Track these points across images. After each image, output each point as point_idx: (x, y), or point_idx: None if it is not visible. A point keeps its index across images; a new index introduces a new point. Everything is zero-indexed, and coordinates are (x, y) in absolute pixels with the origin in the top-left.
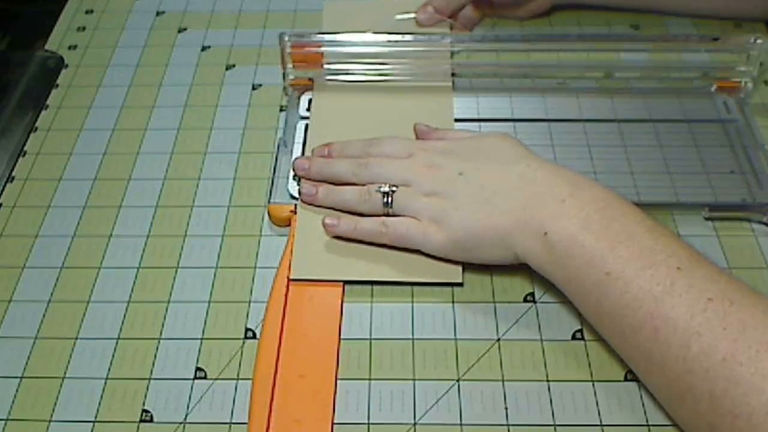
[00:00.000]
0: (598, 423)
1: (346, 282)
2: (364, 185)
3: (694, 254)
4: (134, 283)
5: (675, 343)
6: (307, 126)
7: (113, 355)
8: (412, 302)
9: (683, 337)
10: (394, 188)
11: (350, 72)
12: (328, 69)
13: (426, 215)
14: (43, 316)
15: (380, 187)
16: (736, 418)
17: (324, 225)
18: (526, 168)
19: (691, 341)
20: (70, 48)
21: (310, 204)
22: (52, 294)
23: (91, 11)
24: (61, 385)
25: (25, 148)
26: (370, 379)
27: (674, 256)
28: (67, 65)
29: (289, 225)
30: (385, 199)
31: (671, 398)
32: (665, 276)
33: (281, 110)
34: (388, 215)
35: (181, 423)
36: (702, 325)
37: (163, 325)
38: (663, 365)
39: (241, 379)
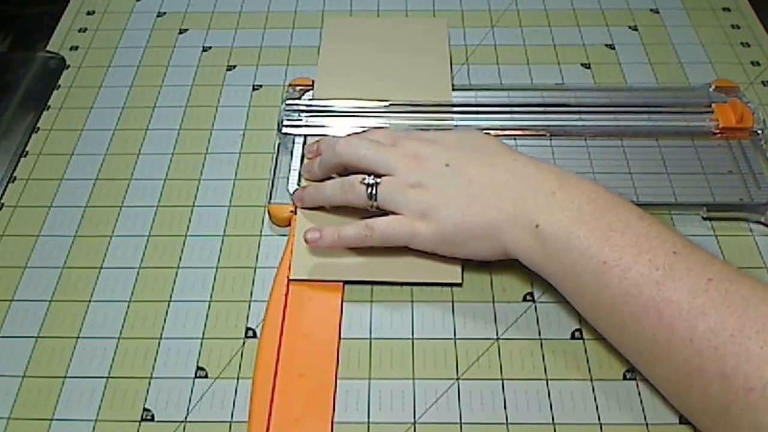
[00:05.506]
0: (597, 422)
1: (346, 282)
2: (346, 175)
3: (686, 240)
4: (135, 282)
5: (680, 326)
6: None
7: (114, 355)
8: (412, 302)
9: (688, 318)
10: (377, 180)
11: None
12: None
13: (412, 209)
14: (45, 315)
15: (364, 179)
16: (749, 393)
17: (306, 241)
18: (513, 162)
19: (697, 321)
20: (71, 49)
21: (301, 207)
22: (53, 293)
23: (93, 12)
24: (62, 384)
25: (27, 149)
26: (369, 379)
27: (669, 242)
28: (68, 66)
29: (289, 225)
30: (369, 191)
31: (679, 386)
32: (663, 260)
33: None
34: (372, 208)
35: (181, 422)
36: (706, 305)
37: (163, 325)
38: (669, 350)
39: (242, 378)
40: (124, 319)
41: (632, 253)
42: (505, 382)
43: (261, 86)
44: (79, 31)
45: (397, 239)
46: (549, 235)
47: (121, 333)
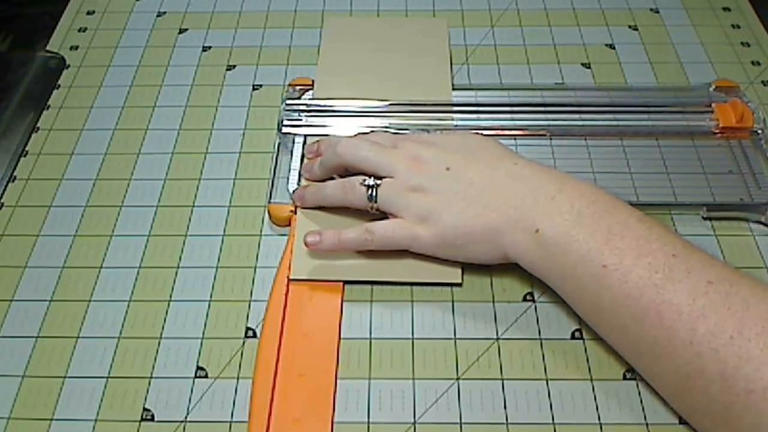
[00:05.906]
0: (597, 422)
1: (346, 282)
2: (346, 176)
3: (686, 242)
4: (135, 282)
5: (681, 328)
6: None
7: (114, 354)
8: (412, 302)
9: (688, 320)
10: (378, 181)
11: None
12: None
13: (413, 213)
14: (45, 315)
15: (364, 180)
16: (750, 394)
17: (306, 245)
18: (513, 165)
19: (697, 323)
20: (71, 48)
21: (302, 207)
22: (53, 293)
23: (93, 12)
24: (62, 384)
25: (27, 148)
26: (369, 379)
27: (669, 244)
28: (68, 66)
29: (289, 225)
30: (369, 192)
31: (679, 388)
32: (663, 263)
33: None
34: (372, 209)
35: (181, 422)
36: (706, 307)
37: (163, 325)
38: (670, 352)
39: (242, 378)
40: (124, 319)
41: (632, 256)
42: (505, 382)
43: (261, 86)
44: (79, 30)
45: (397, 243)
46: (549, 239)
47: (121, 333)
